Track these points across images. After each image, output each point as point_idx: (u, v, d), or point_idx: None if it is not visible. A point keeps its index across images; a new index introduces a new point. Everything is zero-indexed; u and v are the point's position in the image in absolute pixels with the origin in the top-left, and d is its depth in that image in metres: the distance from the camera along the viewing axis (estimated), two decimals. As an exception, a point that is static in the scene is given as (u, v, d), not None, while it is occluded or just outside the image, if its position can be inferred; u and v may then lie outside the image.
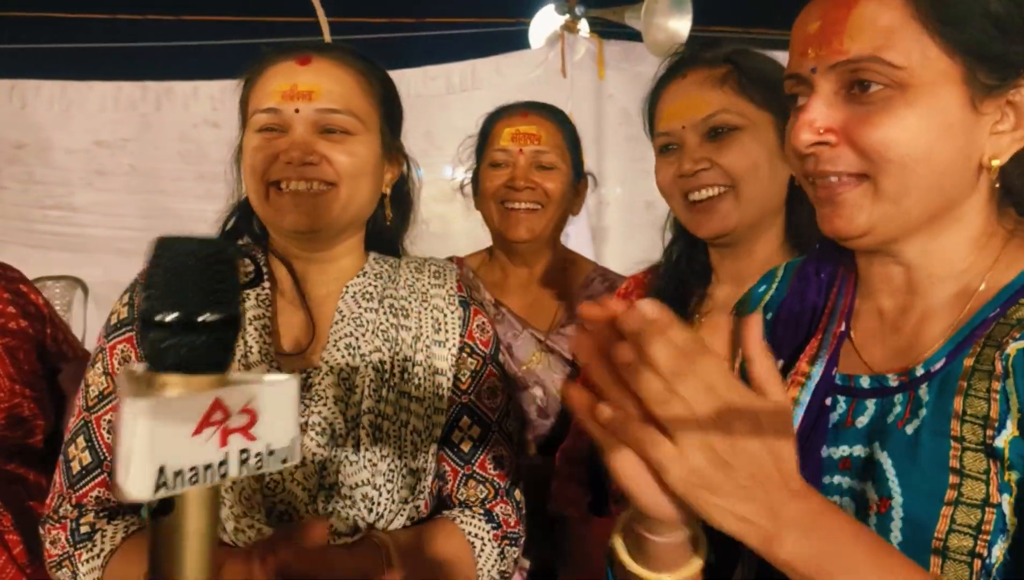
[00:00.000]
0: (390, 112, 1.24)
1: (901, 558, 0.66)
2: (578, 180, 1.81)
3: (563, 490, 1.47)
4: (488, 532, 1.19)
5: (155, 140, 4.30)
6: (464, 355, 1.23)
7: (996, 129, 0.75)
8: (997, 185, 0.78)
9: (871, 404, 0.81)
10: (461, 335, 1.23)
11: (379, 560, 1.07)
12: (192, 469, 0.47)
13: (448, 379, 1.21)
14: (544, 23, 4.76)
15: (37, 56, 5.01)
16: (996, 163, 0.76)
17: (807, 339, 0.90)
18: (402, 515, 1.14)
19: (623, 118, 4.11)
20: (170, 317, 0.46)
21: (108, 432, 1.12)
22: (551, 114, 1.79)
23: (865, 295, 0.88)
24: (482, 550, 1.17)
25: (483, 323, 1.28)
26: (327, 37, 4.18)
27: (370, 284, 1.21)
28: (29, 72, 4.51)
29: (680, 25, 3.89)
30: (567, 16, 4.54)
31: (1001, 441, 0.70)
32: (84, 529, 1.08)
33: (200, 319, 0.47)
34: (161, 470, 0.46)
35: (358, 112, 1.16)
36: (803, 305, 0.93)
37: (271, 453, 0.50)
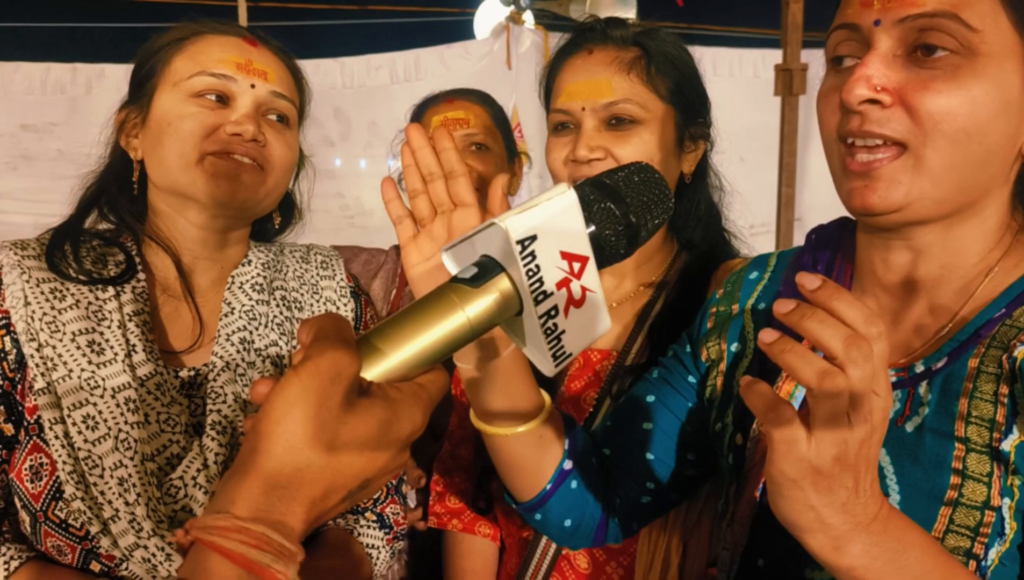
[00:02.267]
0: (304, 114, 1.21)
1: (963, 569, 0.64)
2: (511, 160, 1.79)
3: (442, 503, 1.43)
4: (382, 539, 1.18)
5: (85, 124, 4.12)
6: None
7: None
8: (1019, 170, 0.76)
9: None
10: (356, 328, 1.20)
11: None
12: (538, 267, 0.58)
13: None
14: (489, 14, 4.74)
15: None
16: None
17: None
18: None
19: (568, 111, 4.11)
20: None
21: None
22: (477, 97, 1.77)
23: (863, 288, 0.86)
24: (378, 557, 1.16)
25: (374, 315, 1.26)
26: (243, 19, 4.07)
27: (258, 274, 1.15)
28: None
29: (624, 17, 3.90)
30: (512, 7, 4.53)
31: (1008, 445, 0.68)
32: None
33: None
34: (534, 238, 0.57)
35: (296, 105, 1.15)
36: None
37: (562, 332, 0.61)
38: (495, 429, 0.88)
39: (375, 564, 1.16)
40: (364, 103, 4.53)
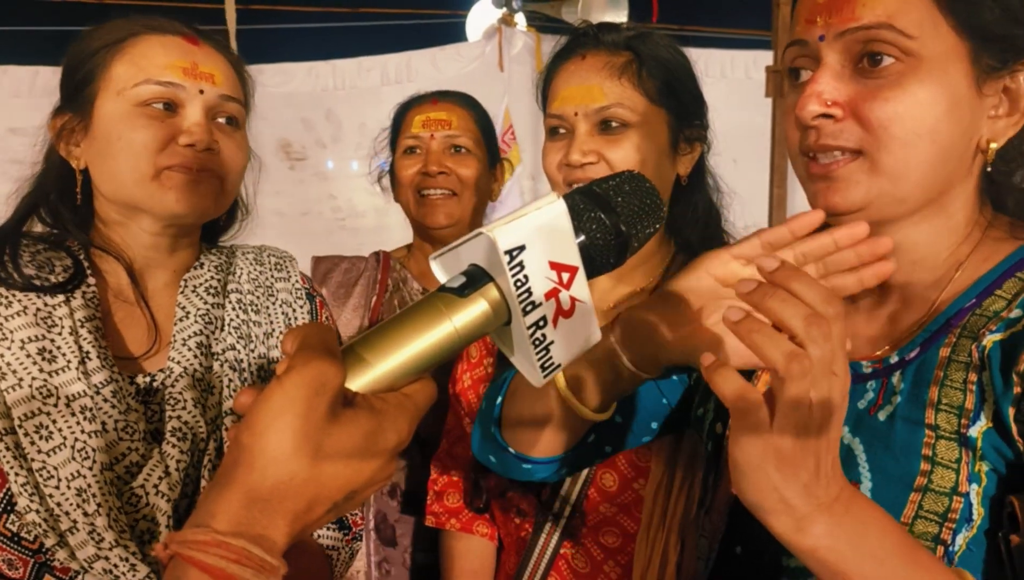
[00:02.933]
0: (249, 107, 1.17)
1: (927, 552, 0.65)
2: (493, 166, 1.79)
3: (440, 501, 1.44)
4: (341, 540, 1.17)
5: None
6: None
7: (992, 114, 0.76)
8: (990, 168, 0.79)
9: None
10: (327, 325, 1.18)
11: None
12: (526, 278, 0.57)
13: None
14: (481, 16, 4.73)
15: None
16: (994, 146, 0.76)
17: None
18: None
19: (560, 113, 4.11)
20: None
21: None
22: (461, 100, 1.77)
23: None
24: (338, 559, 1.16)
25: (329, 316, 1.26)
26: (231, 22, 4.04)
27: (211, 277, 1.13)
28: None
29: (616, 20, 3.91)
30: (504, 9, 4.53)
31: (975, 431, 0.70)
32: None
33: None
34: (523, 248, 0.56)
35: (242, 103, 1.12)
36: None
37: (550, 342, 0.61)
38: (587, 411, 0.88)
39: (335, 565, 1.15)
40: (355, 105, 4.52)
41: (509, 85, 4.33)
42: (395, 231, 2.27)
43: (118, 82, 1.03)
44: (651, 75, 1.22)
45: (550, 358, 0.62)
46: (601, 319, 1.28)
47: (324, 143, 4.57)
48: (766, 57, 3.66)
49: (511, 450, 0.98)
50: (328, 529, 1.17)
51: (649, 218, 0.67)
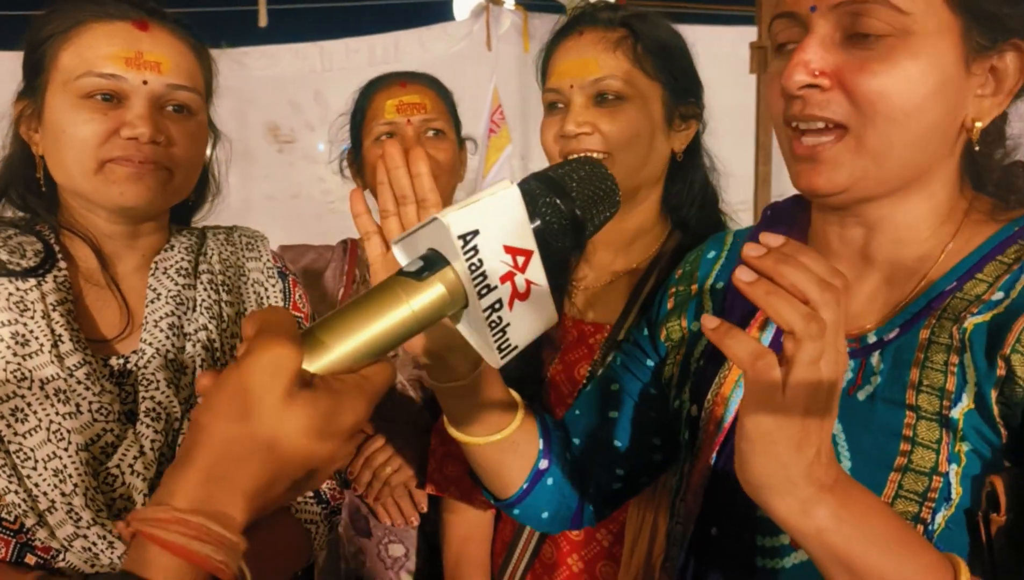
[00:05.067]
0: (211, 85, 1.17)
1: (922, 537, 0.66)
2: (461, 146, 1.77)
3: (441, 470, 1.46)
4: (320, 514, 1.19)
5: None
6: None
7: (978, 93, 0.75)
8: (977, 148, 0.78)
9: None
10: (285, 308, 1.19)
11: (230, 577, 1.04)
12: (481, 261, 0.59)
13: None
14: (468, -5, 4.71)
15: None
16: (979, 125, 0.75)
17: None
18: None
19: (548, 92, 4.11)
20: None
21: None
22: (429, 82, 1.73)
23: None
24: (317, 531, 1.18)
25: (303, 294, 1.26)
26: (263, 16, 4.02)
27: (182, 258, 1.13)
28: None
29: (605, -2, 3.90)
30: (491, -12, 4.51)
31: (957, 413, 0.71)
32: None
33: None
34: (476, 233, 0.58)
35: (199, 88, 1.10)
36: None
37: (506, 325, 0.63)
38: (470, 438, 0.90)
39: (314, 538, 1.18)
40: (344, 87, 4.49)
41: (497, 64, 4.31)
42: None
43: (64, 73, 1.03)
44: (647, 50, 1.24)
45: (507, 340, 0.64)
46: (599, 295, 1.33)
47: (313, 125, 4.56)
48: (751, 33, 3.67)
49: (491, 499, 1.00)
50: (307, 503, 1.19)
51: (604, 203, 0.68)
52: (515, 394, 0.92)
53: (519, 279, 0.62)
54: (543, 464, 0.95)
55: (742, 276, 0.61)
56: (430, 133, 1.65)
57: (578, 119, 1.22)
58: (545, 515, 0.99)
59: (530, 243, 0.62)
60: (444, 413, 0.91)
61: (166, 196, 1.07)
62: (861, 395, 0.77)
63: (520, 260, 0.62)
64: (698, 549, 0.87)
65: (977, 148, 0.77)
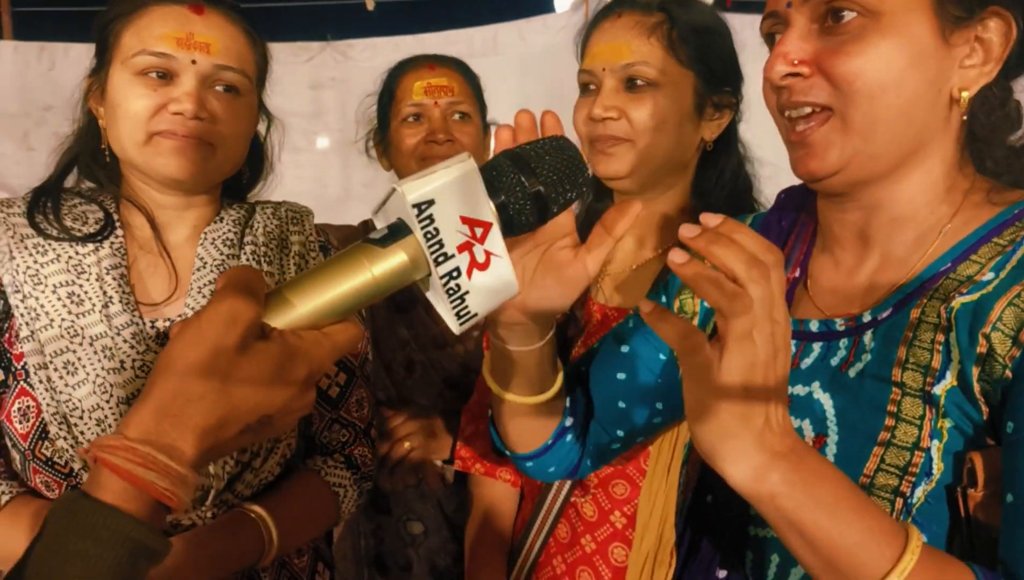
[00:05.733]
0: (264, 71, 1.22)
1: (876, 504, 0.68)
2: (485, 132, 1.78)
3: (468, 447, 1.48)
4: (349, 479, 1.23)
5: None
6: None
7: (964, 64, 0.77)
8: (963, 120, 0.79)
9: (817, 347, 0.83)
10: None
11: (259, 538, 1.08)
12: (436, 230, 0.62)
13: None
14: (568, -14, 4.70)
15: (65, 18, 5.09)
16: (966, 95, 0.77)
17: None
18: (275, 455, 1.16)
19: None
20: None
21: None
22: (457, 65, 1.75)
23: (823, 245, 0.89)
24: (345, 495, 1.22)
25: None
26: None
27: (229, 230, 1.20)
28: (57, 34, 4.60)
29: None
30: (592, -22, 4.48)
31: (939, 389, 0.72)
32: None
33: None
34: (432, 202, 0.61)
35: (248, 71, 1.16)
36: None
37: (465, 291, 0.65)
38: (522, 398, 0.91)
39: (343, 502, 1.23)
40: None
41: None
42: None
43: (123, 52, 1.11)
44: (682, 37, 1.21)
45: (466, 307, 0.66)
46: (626, 281, 1.30)
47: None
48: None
49: (507, 452, 1.02)
50: (337, 468, 1.23)
51: (570, 182, 0.70)
52: (558, 360, 0.94)
53: (477, 249, 0.64)
54: (568, 421, 0.99)
55: (675, 257, 0.64)
56: (456, 116, 1.67)
57: (606, 103, 1.21)
58: (552, 469, 1.03)
59: (488, 215, 0.64)
60: (496, 377, 0.92)
61: (208, 170, 1.13)
62: (852, 372, 0.79)
63: (478, 231, 0.64)
64: (695, 517, 0.91)
65: (965, 117, 0.78)
